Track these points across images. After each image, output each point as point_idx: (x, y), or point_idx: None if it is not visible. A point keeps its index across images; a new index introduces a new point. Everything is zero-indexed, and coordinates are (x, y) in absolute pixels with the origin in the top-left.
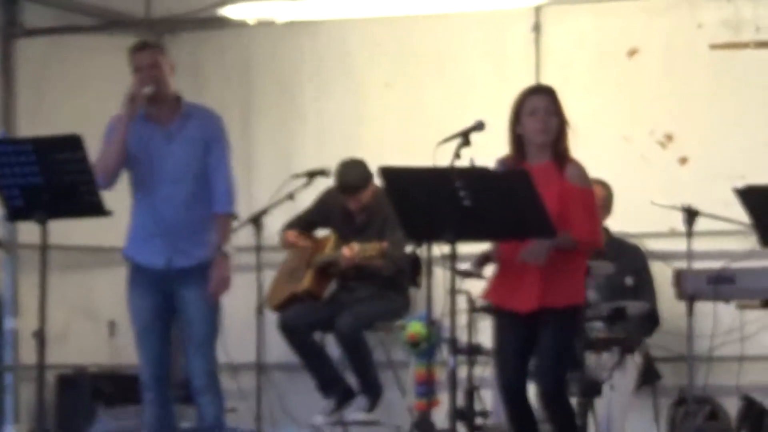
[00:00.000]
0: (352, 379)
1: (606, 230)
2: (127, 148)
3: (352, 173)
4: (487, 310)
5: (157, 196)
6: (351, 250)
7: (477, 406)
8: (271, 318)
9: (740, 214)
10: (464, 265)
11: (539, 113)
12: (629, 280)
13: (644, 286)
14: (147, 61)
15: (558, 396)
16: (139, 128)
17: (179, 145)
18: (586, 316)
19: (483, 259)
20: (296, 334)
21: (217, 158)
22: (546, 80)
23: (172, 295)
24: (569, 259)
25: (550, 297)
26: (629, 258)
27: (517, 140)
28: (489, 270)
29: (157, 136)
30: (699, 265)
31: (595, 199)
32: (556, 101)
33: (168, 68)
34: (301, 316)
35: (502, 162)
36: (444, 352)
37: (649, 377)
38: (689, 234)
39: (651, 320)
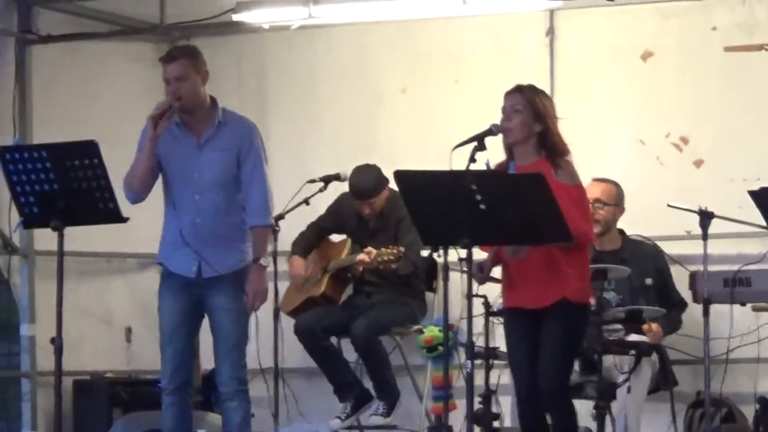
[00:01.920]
0: (368, 384)
1: (621, 232)
2: (159, 154)
3: (365, 179)
4: (503, 314)
5: (187, 205)
6: (368, 255)
7: (494, 411)
8: (288, 323)
9: (756, 216)
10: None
11: (504, 113)
12: (649, 281)
13: (666, 284)
14: (174, 73)
15: (559, 395)
16: (172, 135)
17: (209, 154)
18: (602, 319)
19: (479, 270)
20: (312, 337)
21: (251, 169)
22: (560, 84)
23: (201, 301)
24: (570, 256)
25: (558, 290)
26: (648, 258)
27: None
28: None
29: (189, 144)
30: (715, 267)
31: (585, 195)
32: (527, 99)
33: (199, 77)
34: (317, 320)
35: (487, 163)
36: (461, 357)
37: (665, 382)
38: (705, 237)
39: (679, 307)
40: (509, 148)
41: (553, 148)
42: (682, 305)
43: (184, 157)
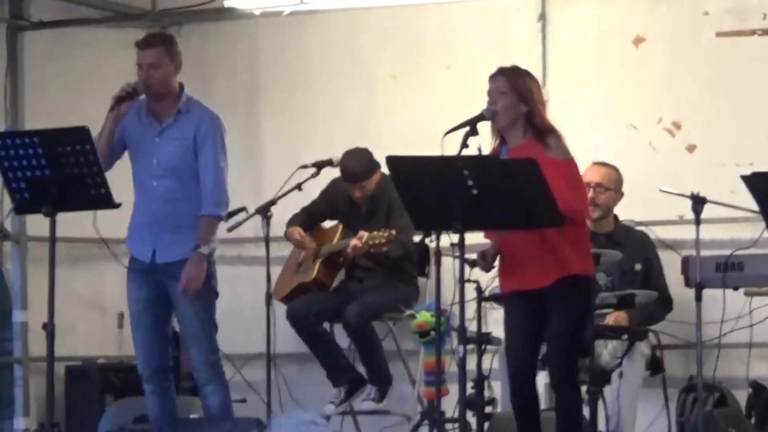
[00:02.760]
0: (361, 369)
1: (615, 217)
2: (127, 139)
3: (357, 162)
4: (496, 299)
5: (146, 190)
6: (359, 240)
7: (486, 395)
8: (280, 309)
9: (749, 201)
10: (473, 255)
11: (489, 96)
12: (638, 266)
13: (653, 272)
14: (147, 60)
15: (570, 378)
16: (139, 120)
17: (167, 142)
18: (594, 303)
19: (482, 255)
20: (305, 323)
21: (206, 158)
22: (552, 69)
23: (163, 289)
24: (567, 233)
25: (559, 268)
26: (637, 245)
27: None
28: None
29: (152, 130)
30: (707, 252)
31: (577, 169)
32: (510, 81)
33: (173, 65)
34: (309, 306)
35: (480, 149)
36: (453, 342)
37: (656, 366)
38: (697, 221)
39: (665, 304)
40: (499, 132)
41: (538, 127)
42: (667, 303)
43: (145, 143)
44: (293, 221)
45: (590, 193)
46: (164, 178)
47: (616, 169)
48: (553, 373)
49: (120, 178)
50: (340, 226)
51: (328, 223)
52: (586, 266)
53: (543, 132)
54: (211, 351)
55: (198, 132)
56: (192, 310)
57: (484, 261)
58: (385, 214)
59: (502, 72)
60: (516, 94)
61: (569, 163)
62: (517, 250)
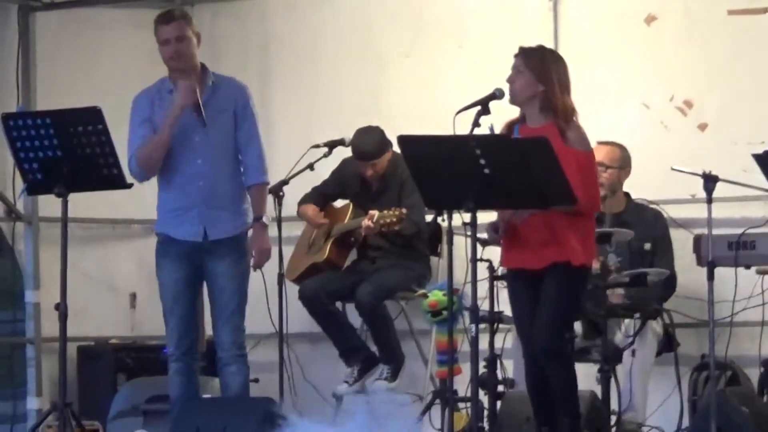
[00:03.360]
0: (374, 349)
1: (627, 195)
2: (156, 122)
3: (368, 140)
4: (506, 275)
5: (188, 169)
6: (371, 219)
7: (499, 375)
8: (293, 289)
9: (760, 179)
10: (485, 234)
11: (510, 75)
12: (648, 245)
13: (662, 252)
14: (174, 33)
15: (557, 354)
16: (167, 102)
17: (209, 116)
18: (606, 282)
19: (494, 228)
20: (317, 303)
21: (248, 129)
22: (564, 48)
23: (201, 266)
24: (573, 221)
25: (558, 253)
26: (649, 223)
27: None
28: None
29: (185, 109)
30: (719, 231)
31: (594, 161)
32: (526, 61)
33: (195, 39)
34: (321, 286)
35: (492, 128)
36: (465, 321)
37: (668, 344)
38: (709, 200)
39: (668, 286)
40: (521, 110)
41: (556, 110)
42: (672, 282)
43: (183, 122)
44: (305, 200)
45: None
46: (210, 154)
47: (620, 147)
48: (541, 348)
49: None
50: (351, 206)
51: (339, 203)
52: (585, 257)
53: (560, 117)
54: (240, 330)
55: (237, 102)
56: (234, 288)
57: (496, 234)
58: (397, 193)
59: (522, 51)
60: (533, 74)
61: (588, 155)
62: (522, 229)
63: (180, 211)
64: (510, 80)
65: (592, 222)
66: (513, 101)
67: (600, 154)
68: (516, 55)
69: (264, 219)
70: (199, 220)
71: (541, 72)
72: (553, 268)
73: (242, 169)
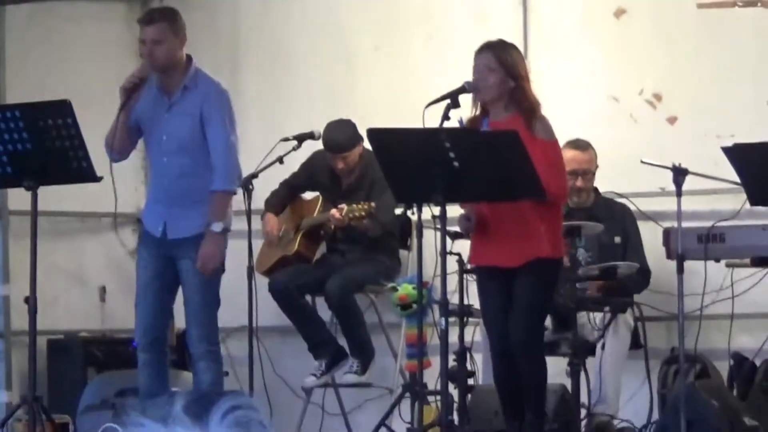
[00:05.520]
0: (343, 342)
1: (595, 190)
2: (139, 115)
3: (339, 133)
4: (476, 271)
5: (158, 166)
6: (340, 211)
7: (468, 368)
8: (262, 282)
9: (730, 172)
10: (455, 227)
11: (476, 71)
12: (618, 239)
13: (632, 245)
14: (150, 36)
15: (531, 347)
16: (150, 96)
17: (175, 117)
18: (577, 276)
19: (467, 217)
20: (287, 296)
21: (214, 133)
22: (533, 41)
23: (175, 262)
24: (543, 212)
25: (531, 249)
26: (618, 217)
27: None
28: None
29: (161, 105)
30: (689, 224)
31: (560, 151)
32: (498, 57)
33: (177, 40)
34: (291, 279)
35: (460, 121)
36: (435, 314)
37: (636, 341)
38: (679, 193)
39: (643, 277)
40: (482, 104)
41: (524, 103)
42: (646, 276)
43: (155, 120)
44: (272, 198)
45: (579, 182)
46: (174, 154)
47: (590, 146)
48: (516, 343)
49: (100, 152)
50: (320, 198)
51: (308, 195)
52: (556, 249)
53: (528, 109)
54: (208, 326)
55: (204, 107)
56: (196, 284)
57: (469, 222)
58: (367, 192)
59: (489, 47)
60: (504, 70)
61: (553, 144)
62: (493, 226)
63: (150, 204)
64: (481, 77)
65: (559, 211)
66: (484, 98)
67: (584, 161)
68: (481, 52)
69: (214, 226)
70: (161, 216)
71: (512, 68)
72: (528, 266)
73: None
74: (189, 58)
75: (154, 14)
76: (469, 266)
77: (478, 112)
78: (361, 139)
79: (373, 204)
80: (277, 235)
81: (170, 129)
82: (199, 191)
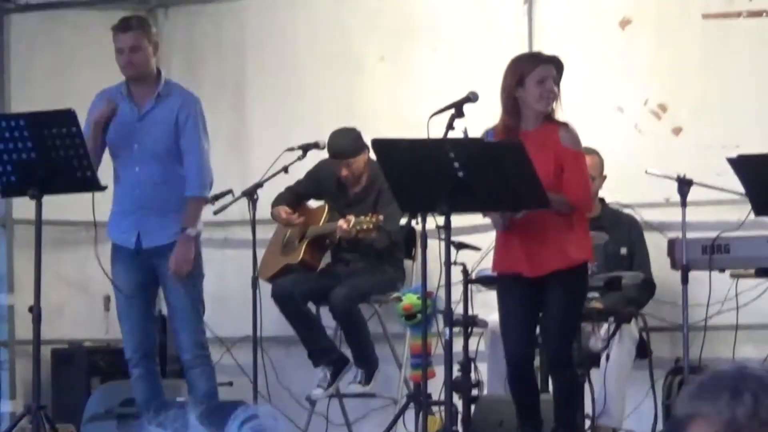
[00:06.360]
0: (347, 352)
1: (602, 200)
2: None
3: (344, 139)
4: (482, 281)
5: (129, 175)
6: (347, 223)
7: (473, 378)
8: (267, 292)
9: (735, 183)
10: (459, 237)
11: (548, 82)
12: (624, 250)
13: (639, 256)
14: (128, 43)
15: (566, 363)
16: (120, 106)
17: (149, 125)
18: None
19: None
20: (290, 302)
21: (189, 140)
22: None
23: (154, 271)
24: (570, 219)
25: (562, 260)
26: (624, 228)
27: (515, 104)
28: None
29: (132, 114)
30: (693, 234)
31: (586, 162)
32: (560, 72)
33: (151, 47)
34: (295, 285)
35: (488, 132)
36: (440, 324)
37: (643, 349)
38: (684, 204)
39: (647, 289)
40: (517, 108)
41: (553, 114)
42: (650, 288)
43: (126, 128)
44: (278, 201)
45: None
46: (147, 163)
47: (597, 153)
48: (549, 357)
49: (105, 161)
50: (327, 207)
51: (314, 203)
52: (585, 252)
53: (559, 120)
54: (199, 331)
55: (179, 115)
56: (181, 289)
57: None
58: (373, 202)
59: (558, 62)
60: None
61: (583, 156)
62: (522, 234)
63: (119, 217)
64: (552, 91)
65: (586, 219)
66: (545, 110)
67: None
68: (548, 62)
69: (189, 231)
70: (133, 226)
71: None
72: (557, 275)
73: None
74: (158, 69)
75: (131, 21)
76: (473, 276)
77: (503, 124)
78: (365, 147)
79: (381, 216)
80: (297, 218)
81: (143, 138)
82: (173, 199)
